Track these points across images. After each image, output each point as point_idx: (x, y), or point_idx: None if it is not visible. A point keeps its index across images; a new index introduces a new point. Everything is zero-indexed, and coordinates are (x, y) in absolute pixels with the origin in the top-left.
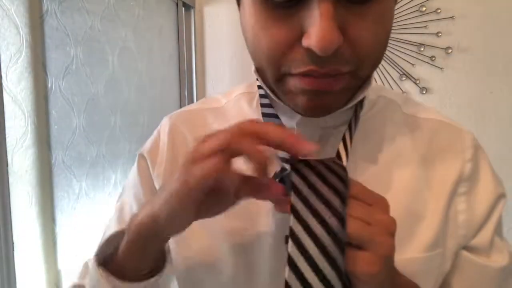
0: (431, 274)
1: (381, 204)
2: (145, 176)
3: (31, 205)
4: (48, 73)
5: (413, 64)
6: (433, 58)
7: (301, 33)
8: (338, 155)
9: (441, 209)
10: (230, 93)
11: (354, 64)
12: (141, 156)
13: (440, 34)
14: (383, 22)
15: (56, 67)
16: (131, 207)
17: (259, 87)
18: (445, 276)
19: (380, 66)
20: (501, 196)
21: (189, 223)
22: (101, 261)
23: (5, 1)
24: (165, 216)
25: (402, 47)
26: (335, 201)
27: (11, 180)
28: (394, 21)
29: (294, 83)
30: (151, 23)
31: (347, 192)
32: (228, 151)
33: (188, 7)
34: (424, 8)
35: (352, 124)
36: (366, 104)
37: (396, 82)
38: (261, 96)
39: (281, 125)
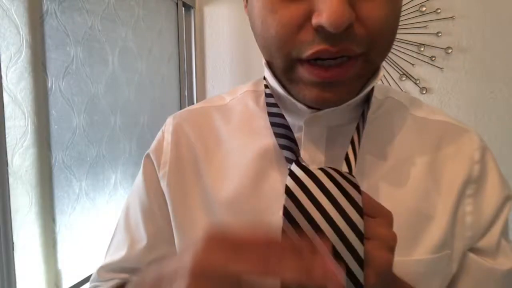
0: (438, 276)
1: (386, 217)
2: (149, 177)
3: (31, 205)
4: (48, 73)
5: (413, 64)
6: (433, 58)
7: (310, 13)
8: (347, 156)
9: (449, 211)
10: (235, 91)
11: (366, 45)
12: (147, 156)
13: (440, 34)
14: (394, 2)
15: (56, 67)
16: (135, 211)
17: (266, 86)
18: (451, 277)
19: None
20: (508, 199)
21: None
22: None
23: (5, 1)
24: None
25: (402, 47)
26: (351, 213)
27: (11, 180)
28: None
29: (303, 74)
30: (151, 23)
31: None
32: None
33: (188, 7)
34: (424, 8)
35: (360, 124)
36: (374, 103)
37: (396, 82)
38: (267, 95)
39: (286, 125)
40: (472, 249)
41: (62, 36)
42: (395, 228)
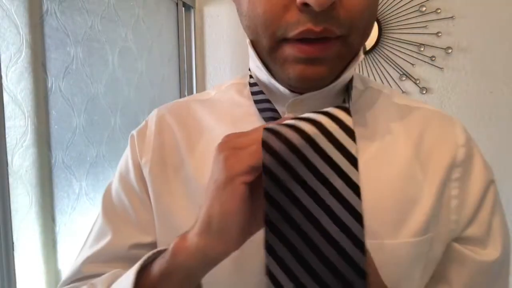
0: (420, 259)
1: None
2: (134, 154)
3: (31, 205)
4: (48, 73)
5: (413, 64)
6: (433, 58)
7: None
8: None
9: (434, 194)
10: (220, 86)
11: (346, 27)
12: (131, 136)
13: (440, 34)
14: None
15: (56, 67)
16: (118, 191)
17: (251, 76)
18: (441, 268)
19: (380, 66)
20: (491, 182)
21: (243, 233)
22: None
23: (5, 1)
24: (218, 221)
25: (402, 47)
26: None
27: (11, 180)
28: (394, 21)
29: (288, 51)
30: (151, 23)
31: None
32: None
33: (188, 7)
34: (424, 8)
35: None
36: (355, 93)
37: (396, 82)
38: (251, 84)
39: (274, 109)
40: (462, 239)
41: (62, 36)
42: (381, 211)
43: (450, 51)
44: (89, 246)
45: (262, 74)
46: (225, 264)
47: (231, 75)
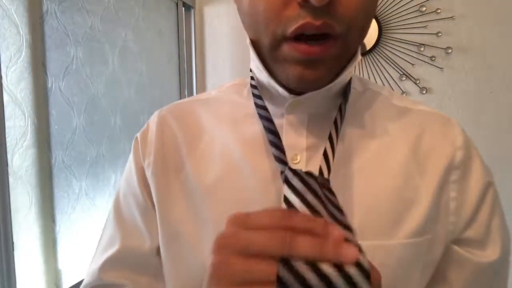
0: (418, 260)
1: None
2: (137, 157)
3: (31, 205)
4: (48, 73)
5: (413, 64)
6: (433, 58)
7: None
8: (331, 139)
9: (431, 195)
10: (221, 86)
11: (344, 25)
12: (135, 139)
13: (440, 34)
14: None
15: (56, 67)
16: (125, 195)
17: (252, 78)
18: (440, 269)
19: (380, 66)
20: (490, 184)
21: None
22: None
23: (5, 1)
24: None
25: (402, 47)
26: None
27: (11, 180)
28: (394, 21)
29: (288, 51)
30: (151, 23)
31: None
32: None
33: (188, 7)
34: (424, 8)
35: (342, 110)
36: (354, 94)
37: (396, 82)
38: (252, 86)
39: (270, 118)
40: (461, 240)
41: (62, 36)
42: (377, 212)
43: (450, 51)
44: (103, 250)
45: (261, 74)
46: None
47: (231, 75)
